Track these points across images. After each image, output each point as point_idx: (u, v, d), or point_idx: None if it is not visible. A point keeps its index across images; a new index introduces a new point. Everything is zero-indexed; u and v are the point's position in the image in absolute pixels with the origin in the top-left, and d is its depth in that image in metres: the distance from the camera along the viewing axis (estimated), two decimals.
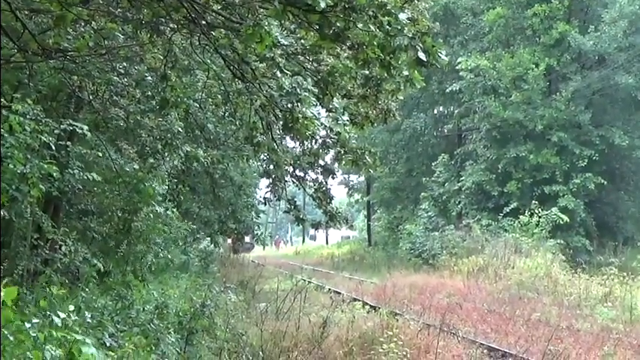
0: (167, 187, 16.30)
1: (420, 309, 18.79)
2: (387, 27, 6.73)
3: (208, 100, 13.05)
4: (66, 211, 14.26)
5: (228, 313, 14.68)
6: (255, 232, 37.11)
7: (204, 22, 8.02)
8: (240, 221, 28.76)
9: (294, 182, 13.57)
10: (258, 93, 8.92)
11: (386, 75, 8.01)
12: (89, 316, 8.25)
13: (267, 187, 14.72)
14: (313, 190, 13.01)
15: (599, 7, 39.92)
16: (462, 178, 41.80)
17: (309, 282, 25.89)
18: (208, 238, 31.93)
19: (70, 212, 14.73)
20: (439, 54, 6.89)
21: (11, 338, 5.77)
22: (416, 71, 7.51)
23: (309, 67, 9.32)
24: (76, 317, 6.98)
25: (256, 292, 23.16)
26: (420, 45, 6.70)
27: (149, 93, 11.30)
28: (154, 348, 9.89)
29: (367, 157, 10.89)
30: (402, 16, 6.73)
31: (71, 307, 6.78)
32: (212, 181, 22.75)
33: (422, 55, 6.65)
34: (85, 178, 11.83)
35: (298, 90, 8.18)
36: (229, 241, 39.14)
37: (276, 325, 15.03)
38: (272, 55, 7.65)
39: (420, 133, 50.01)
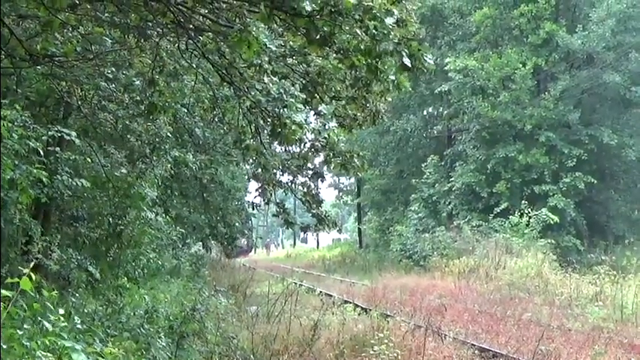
0: (157, 193, 16.28)
1: (411, 310, 18.82)
2: (374, 31, 6.74)
3: (197, 105, 13.05)
4: (57, 217, 14.25)
5: (219, 316, 14.67)
6: (248, 236, 37.04)
7: (191, 27, 8.02)
8: (230, 225, 28.73)
9: (282, 186, 13.53)
10: (246, 95, 8.92)
11: (374, 78, 8.04)
12: (79, 321, 8.22)
13: (257, 190, 14.68)
14: (302, 193, 12.99)
15: (586, 7, 40.15)
16: (451, 179, 41.85)
17: (301, 285, 25.86)
18: (200, 243, 31.86)
19: (61, 218, 14.71)
20: (425, 58, 6.92)
21: (4, 346, 5.74)
22: (402, 76, 7.54)
23: (297, 69, 9.32)
24: (66, 323, 6.95)
25: (247, 295, 23.13)
26: (406, 51, 6.73)
27: (137, 98, 11.29)
28: (144, 352, 9.89)
29: (356, 160, 10.88)
30: (389, 21, 6.74)
31: (61, 312, 6.74)
32: (201, 186, 22.73)
33: (407, 61, 6.68)
34: (75, 183, 11.83)
35: (284, 96, 8.18)
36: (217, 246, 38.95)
37: (267, 328, 15.02)
38: (259, 61, 7.64)
39: (410, 135, 49.94)
